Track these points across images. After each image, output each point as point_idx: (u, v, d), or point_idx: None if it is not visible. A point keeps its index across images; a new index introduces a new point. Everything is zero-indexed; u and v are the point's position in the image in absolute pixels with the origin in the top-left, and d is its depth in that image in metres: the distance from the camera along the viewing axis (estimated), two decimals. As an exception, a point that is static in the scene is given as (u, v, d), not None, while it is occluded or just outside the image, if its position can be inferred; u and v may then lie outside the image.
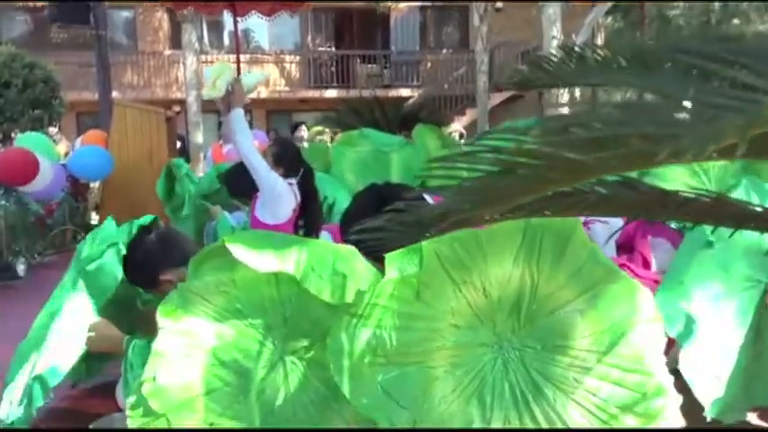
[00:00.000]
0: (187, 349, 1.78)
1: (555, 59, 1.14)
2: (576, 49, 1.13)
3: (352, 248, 1.88)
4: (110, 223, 2.35)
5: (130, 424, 1.75)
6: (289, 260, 1.76)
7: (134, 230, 2.31)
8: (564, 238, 1.75)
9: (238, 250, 1.77)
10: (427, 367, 1.68)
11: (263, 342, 1.78)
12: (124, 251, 2.32)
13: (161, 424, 1.72)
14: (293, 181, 3.89)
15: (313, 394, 1.74)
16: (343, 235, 2.20)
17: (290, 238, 1.96)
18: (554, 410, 1.67)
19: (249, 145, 3.65)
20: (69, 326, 2.13)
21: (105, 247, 2.21)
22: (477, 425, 1.66)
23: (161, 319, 1.81)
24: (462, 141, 11.25)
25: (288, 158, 3.87)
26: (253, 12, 8.61)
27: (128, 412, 1.77)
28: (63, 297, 2.28)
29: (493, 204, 0.88)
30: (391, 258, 1.69)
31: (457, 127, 12.56)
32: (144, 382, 1.75)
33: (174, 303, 1.81)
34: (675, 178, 3.78)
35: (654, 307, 1.80)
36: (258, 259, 1.76)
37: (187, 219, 4.61)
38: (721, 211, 1.23)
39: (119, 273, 2.25)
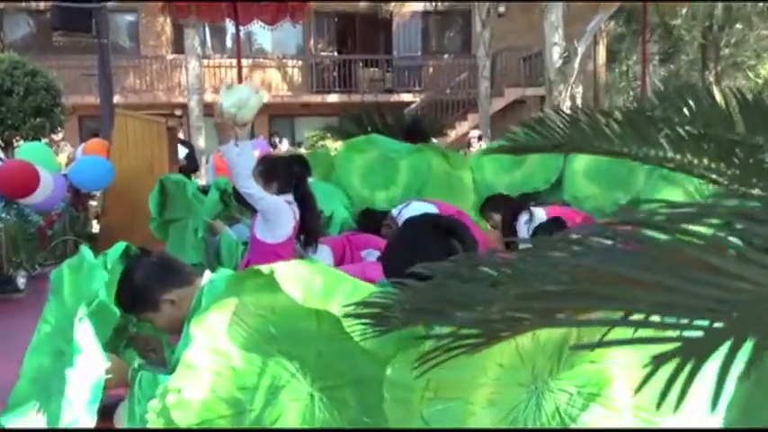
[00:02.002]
0: (216, 366, 1.77)
1: (549, 122, 1.14)
2: (569, 112, 1.13)
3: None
4: (87, 253, 2.32)
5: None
6: (335, 299, 1.74)
7: (108, 262, 2.29)
8: None
9: (287, 282, 1.76)
10: (468, 403, 1.67)
11: (294, 374, 1.76)
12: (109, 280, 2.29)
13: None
14: (290, 198, 3.89)
15: (339, 432, 1.74)
16: (389, 261, 2.11)
17: (340, 276, 1.92)
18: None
19: (245, 179, 3.64)
20: (89, 379, 2.08)
21: (100, 284, 2.18)
22: None
23: (195, 329, 1.80)
24: (481, 145, 11.25)
25: (277, 173, 3.86)
26: (255, 20, 8.64)
27: (149, 416, 1.78)
28: (59, 338, 2.24)
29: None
30: None
31: (476, 133, 12.58)
32: (169, 392, 1.75)
33: (209, 317, 1.81)
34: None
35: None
36: (305, 294, 1.74)
37: (200, 240, 4.60)
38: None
39: (116, 308, 2.24)
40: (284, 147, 12.49)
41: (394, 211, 4.77)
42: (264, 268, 1.86)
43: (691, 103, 1.32)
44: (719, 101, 1.33)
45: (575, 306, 0.67)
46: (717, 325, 0.55)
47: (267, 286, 1.81)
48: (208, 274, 2.48)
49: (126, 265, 2.37)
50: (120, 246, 2.40)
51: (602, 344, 0.64)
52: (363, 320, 1.08)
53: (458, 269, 0.88)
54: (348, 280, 1.90)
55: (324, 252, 4.25)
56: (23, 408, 2.18)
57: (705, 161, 1.00)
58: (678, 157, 1.01)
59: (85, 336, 2.07)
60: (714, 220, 0.71)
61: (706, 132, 1.05)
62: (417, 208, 4.62)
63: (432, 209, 4.54)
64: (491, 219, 4.53)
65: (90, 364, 2.04)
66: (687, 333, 0.56)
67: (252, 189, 3.72)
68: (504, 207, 4.61)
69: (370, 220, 4.85)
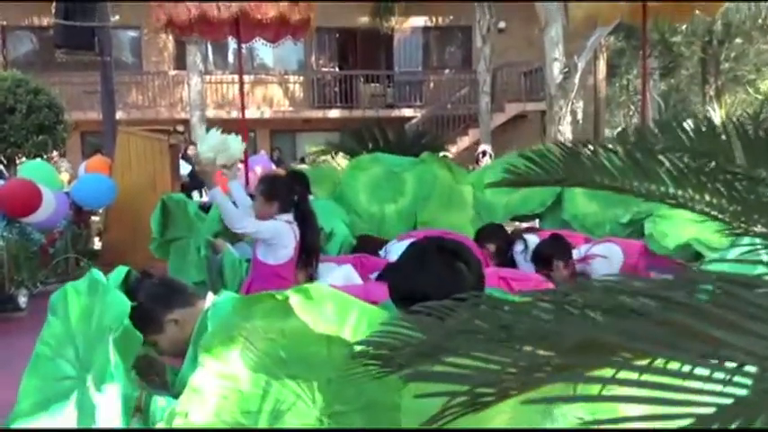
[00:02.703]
0: (223, 390, 1.77)
1: (549, 154, 1.14)
2: (570, 145, 1.13)
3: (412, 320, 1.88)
4: (99, 276, 2.31)
5: None
6: (346, 326, 1.76)
7: (112, 284, 2.28)
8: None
9: (299, 306, 1.77)
10: (488, 424, 1.67)
11: (301, 397, 1.75)
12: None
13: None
14: (290, 218, 3.90)
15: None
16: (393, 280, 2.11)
17: (351, 301, 1.93)
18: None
19: (234, 220, 3.73)
20: (118, 406, 2.06)
21: (125, 309, 2.14)
22: None
23: (202, 355, 1.80)
24: (488, 160, 11.29)
25: (278, 192, 3.88)
26: (257, 38, 8.68)
27: None
28: (62, 362, 2.19)
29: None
30: None
31: (485, 148, 12.62)
32: (176, 415, 1.76)
33: (216, 341, 1.81)
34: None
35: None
36: (316, 319, 1.76)
37: (202, 259, 4.59)
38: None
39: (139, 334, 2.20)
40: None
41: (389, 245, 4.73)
42: (279, 294, 1.87)
43: (692, 133, 1.32)
44: (719, 131, 1.33)
45: (593, 362, 0.67)
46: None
47: (277, 311, 1.82)
48: (211, 297, 2.48)
49: (127, 288, 2.38)
50: (121, 270, 2.40)
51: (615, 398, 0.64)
52: (372, 362, 1.07)
53: (470, 315, 0.88)
54: (357, 305, 1.90)
55: (333, 270, 4.23)
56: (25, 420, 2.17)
57: (707, 197, 1.01)
58: (680, 192, 1.01)
59: (115, 363, 2.05)
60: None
61: (707, 167, 1.05)
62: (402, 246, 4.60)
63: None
64: (485, 249, 4.54)
65: (119, 392, 2.03)
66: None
67: (246, 228, 3.77)
68: (498, 237, 4.62)
69: (369, 244, 4.85)
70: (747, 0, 17.90)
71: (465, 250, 2.02)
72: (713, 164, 1.22)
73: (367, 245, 4.89)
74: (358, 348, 1.57)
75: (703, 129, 1.29)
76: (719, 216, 1.00)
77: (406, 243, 4.49)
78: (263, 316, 1.83)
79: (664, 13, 7.81)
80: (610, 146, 1.10)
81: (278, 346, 1.78)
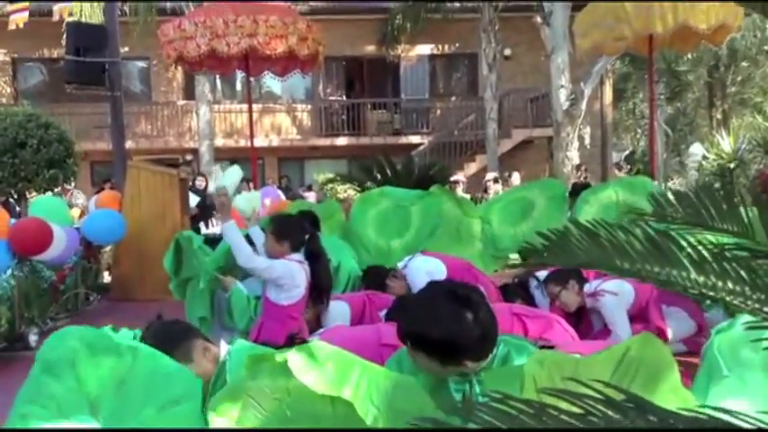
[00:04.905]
0: None
1: (566, 233, 1.14)
2: (590, 226, 1.13)
3: (412, 381, 1.91)
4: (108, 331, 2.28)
5: None
6: (347, 385, 1.79)
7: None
8: (656, 378, 1.70)
9: (298, 367, 1.78)
10: None
11: None
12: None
13: None
14: (301, 257, 3.90)
15: None
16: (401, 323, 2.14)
17: (352, 360, 1.95)
18: None
19: (247, 258, 3.76)
20: None
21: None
22: None
23: (211, 414, 1.81)
24: (499, 188, 11.32)
25: (289, 232, 3.90)
26: (266, 72, 8.77)
27: None
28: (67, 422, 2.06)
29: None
30: (491, 380, 1.74)
31: (492, 176, 12.65)
32: None
33: (224, 400, 1.82)
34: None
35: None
36: (316, 381, 1.78)
37: (203, 292, 4.59)
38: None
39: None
40: (310, 197, 12.48)
41: (400, 264, 4.79)
42: (279, 356, 1.88)
43: (709, 206, 1.31)
44: (737, 202, 1.32)
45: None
46: None
47: (282, 369, 1.83)
48: (225, 347, 2.47)
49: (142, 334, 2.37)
50: (127, 334, 2.40)
51: None
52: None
53: None
54: (359, 364, 1.92)
55: (340, 308, 4.25)
56: None
57: (729, 284, 1.00)
58: (702, 279, 1.00)
59: None
60: None
61: (728, 250, 1.05)
62: (424, 260, 4.63)
63: (437, 263, 4.54)
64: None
65: None
66: None
67: (257, 264, 3.79)
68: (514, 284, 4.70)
69: (375, 275, 4.87)
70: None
71: (475, 298, 2.03)
72: (733, 241, 1.21)
73: (374, 276, 4.90)
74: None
75: (721, 203, 1.29)
76: (744, 305, 0.99)
77: (427, 260, 4.52)
78: (268, 375, 1.85)
79: (670, 44, 7.85)
80: (628, 227, 1.10)
81: (284, 405, 1.79)
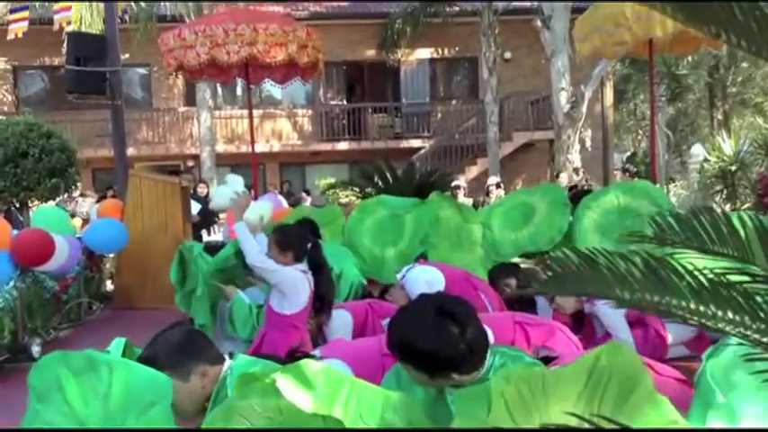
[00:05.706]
0: None
1: (566, 262, 1.14)
2: (590, 254, 1.13)
3: (404, 397, 1.93)
4: (94, 353, 2.21)
5: None
6: (337, 403, 1.81)
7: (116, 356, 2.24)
8: (630, 386, 1.70)
9: (287, 388, 1.79)
10: None
11: None
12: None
13: None
14: (305, 267, 3.92)
15: None
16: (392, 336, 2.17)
17: (341, 378, 1.97)
18: None
19: (256, 255, 3.85)
20: None
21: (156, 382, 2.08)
22: None
23: None
24: (501, 193, 11.32)
25: (293, 243, 3.93)
26: (266, 79, 8.78)
27: None
28: None
29: None
30: (461, 401, 1.73)
31: (494, 180, 12.67)
32: None
33: (218, 421, 1.82)
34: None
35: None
36: (306, 400, 1.80)
37: (202, 298, 4.60)
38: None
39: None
40: (306, 201, 12.52)
41: (399, 275, 4.79)
42: (267, 378, 1.89)
43: (709, 228, 1.32)
44: (737, 227, 1.32)
45: None
46: None
47: (272, 390, 1.85)
48: (227, 362, 2.45)
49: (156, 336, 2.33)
50: (120, 342, 2.38)
51: None
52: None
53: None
54: (348, 381, 1.93)
55: (343, 317, 4.25)
56: None
57: (729, 314, 1.00)
58: (701, 308, 1.00)
59: None
60: None
61: (727, 277, 1.05)
62: (422, 270, 4.62)
63: (435, 272, 4.54)
64: (507, 286, 4.54)
65: None
66: None
67: (264, 263, 3.83)
68: (516, 274, 4.66)
69: (376, 288, 4.89)
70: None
71: (463, 314, 2.07)
72: (732, 266, 1.21)
73: (375, 288, 4.91)
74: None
75: (722, 226, 1.29)
76: (743, 335, 0.99)
77: (426, 270, 4.52)
78: (259, 393, 1.86)
79: (670, 48, 7.85)
80: (628, 255, 1.10)
81: (275, 424, 1.81)
